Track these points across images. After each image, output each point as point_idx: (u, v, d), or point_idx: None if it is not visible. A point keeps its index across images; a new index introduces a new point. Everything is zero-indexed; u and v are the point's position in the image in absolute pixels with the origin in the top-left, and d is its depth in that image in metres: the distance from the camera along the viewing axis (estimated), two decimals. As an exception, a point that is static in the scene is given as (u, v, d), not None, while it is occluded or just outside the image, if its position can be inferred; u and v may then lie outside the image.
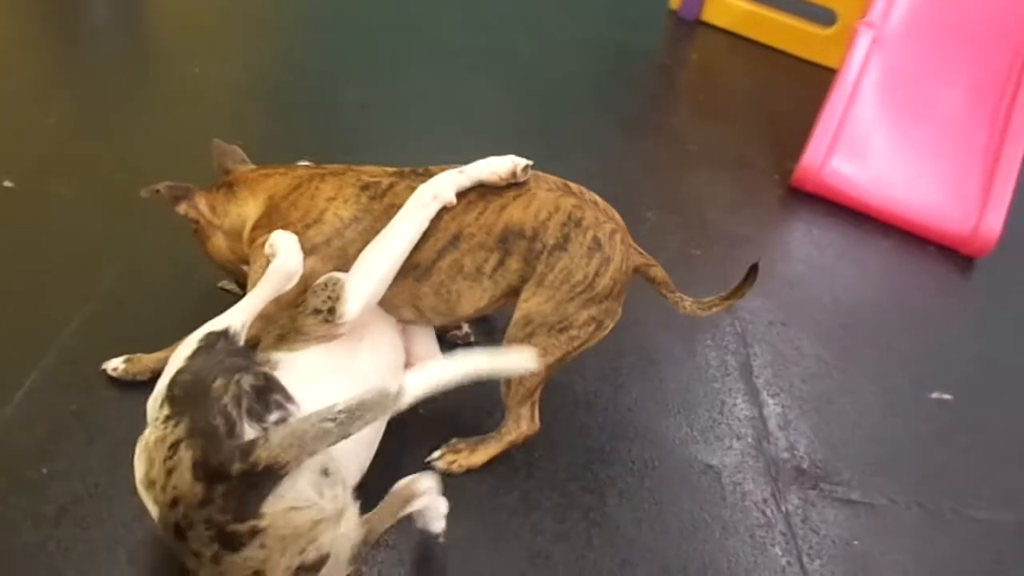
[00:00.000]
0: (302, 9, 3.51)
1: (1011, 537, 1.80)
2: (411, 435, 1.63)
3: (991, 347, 2.37)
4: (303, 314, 1.40)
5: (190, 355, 1.28)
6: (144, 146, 2.42)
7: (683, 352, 2.08)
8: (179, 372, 1.26)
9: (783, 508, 1.73)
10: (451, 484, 1.50)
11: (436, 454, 1.62)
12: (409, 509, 1.36)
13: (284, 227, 1.50)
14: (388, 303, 1.51)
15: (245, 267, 1.61)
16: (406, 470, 1.42)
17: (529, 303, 1.50)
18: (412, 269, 1.49)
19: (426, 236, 1.47)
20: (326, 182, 1.54)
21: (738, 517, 1.69)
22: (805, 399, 2.03)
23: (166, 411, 1.22)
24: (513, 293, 1.52)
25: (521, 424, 1.60)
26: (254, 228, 1.57)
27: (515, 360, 1.37)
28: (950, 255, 2.72)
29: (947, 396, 2.14)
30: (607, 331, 1.57)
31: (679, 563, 1.57)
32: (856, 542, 1.69)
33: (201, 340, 1.30)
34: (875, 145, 2.87)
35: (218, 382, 1.21)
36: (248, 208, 1.59)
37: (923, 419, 2.06)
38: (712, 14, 3.90)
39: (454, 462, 1.61)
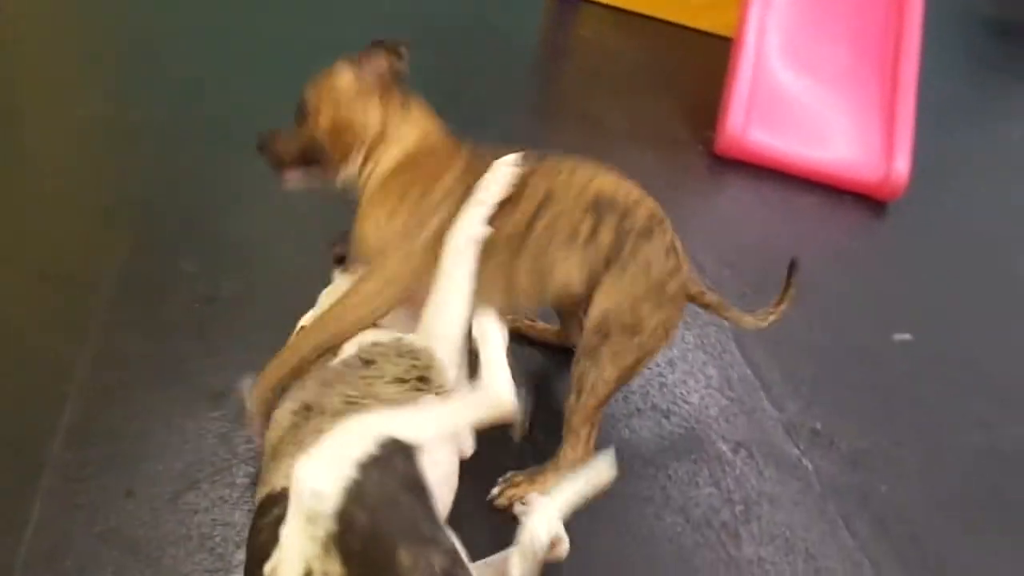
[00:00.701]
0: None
1: (1000, 461, 2.00)
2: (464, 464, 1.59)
3: (928, 284, 2.59)
4: (381, 380, 1.32)
5: (364, 461, 1.07)
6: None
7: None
8: (353, 499, 1.03)
9: (813, 470, 1.84)
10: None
11: (495, 491, 1.59)
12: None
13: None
14: (480, 291, 1.47)
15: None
16: (464, 502, 1.37)
17: (608, 296, 1.51)
18: (506, 242, 1.48)
19: (515, 203, 1.48)
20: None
21: (779, 490, 1.78)
22: (789, 360, 2.14)
23: (336, 564, 1.01)
24: (596, 283, 1.53)
25: (578, 449, 1.60)
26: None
27: (601, 469, 1.29)
28: (866, 201, 2.94)
29: (907, 336, 2.33)
30: (668, 342, 1.60)
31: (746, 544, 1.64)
32: (883, 487, 1.83)
33: (382, 446, 1.10)
34: (786, 106, 3.04)
35: (404, 556, 1.01)
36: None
37: (893, 362, 2.24)
38: (594, -10, 3.96)
39: (514, 496, 1.59)
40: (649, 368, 2.01)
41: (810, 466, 1.85)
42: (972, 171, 3.41)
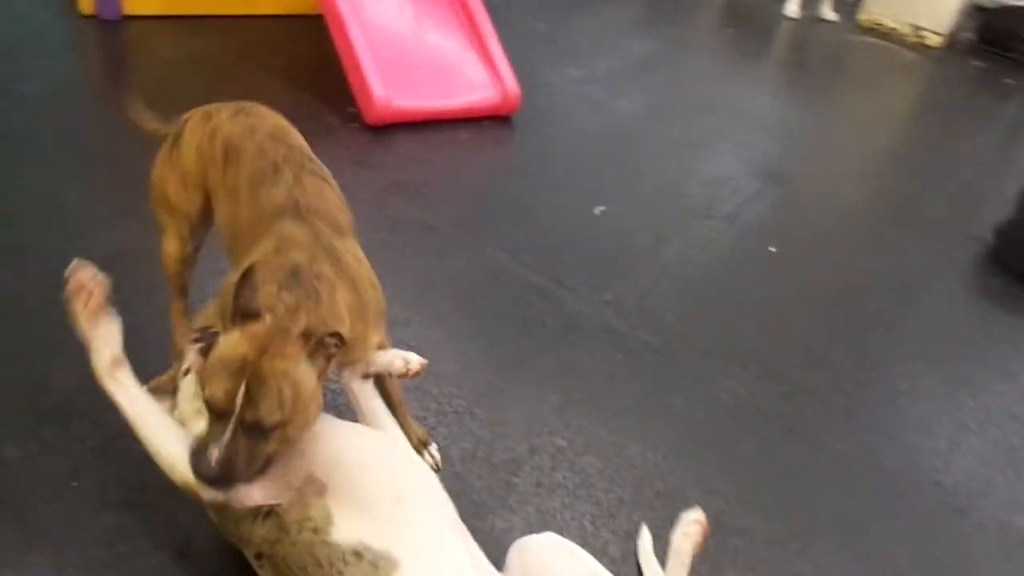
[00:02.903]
0: None
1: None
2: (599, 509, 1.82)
3: (569, 169, 3.31)
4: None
5: None
6: None
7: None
8: None
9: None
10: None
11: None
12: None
13: None
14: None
15: None
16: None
17: None
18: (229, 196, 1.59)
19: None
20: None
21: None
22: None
23: None
24: None
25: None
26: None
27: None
28: (498, 121, 3.53)
29: (604, 208, 3.01)
30: None
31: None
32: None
33: None
34: (407, 62, 3.40)
35: None
36: None
37: (596, 228, 2.90)
38: (136, 5, 3.73)
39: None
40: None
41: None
42: (575, 79, 4.21)
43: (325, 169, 1.65)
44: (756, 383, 2.29)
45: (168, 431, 1.37)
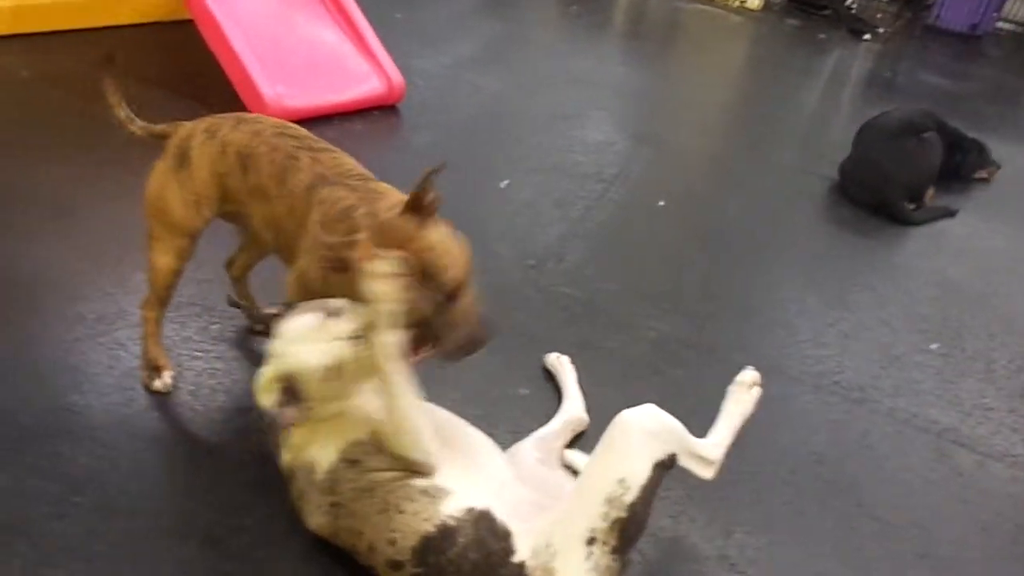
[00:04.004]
0: None
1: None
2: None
3: (465, 149, 3.48)
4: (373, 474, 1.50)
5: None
6: None
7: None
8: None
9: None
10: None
11: None
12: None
13: None
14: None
15: None
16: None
17: None
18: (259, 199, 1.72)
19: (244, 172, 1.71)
20: None
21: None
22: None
23: (614, 540, 1.42)
24: None
25: None
26: None
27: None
28: (386, 110, 3.63)
29: (508, 181, 3.20)
30: None
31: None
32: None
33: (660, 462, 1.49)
34: (293, 62, 3.43)
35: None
36: None
37: (505, 201, 3.10)
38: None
39: None
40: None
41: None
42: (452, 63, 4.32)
43: (333, 147, 1.77)
44: (672, 318, 2.56)
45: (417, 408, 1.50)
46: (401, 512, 1.44)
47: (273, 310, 1.60)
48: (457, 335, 1.47)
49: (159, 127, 1.85)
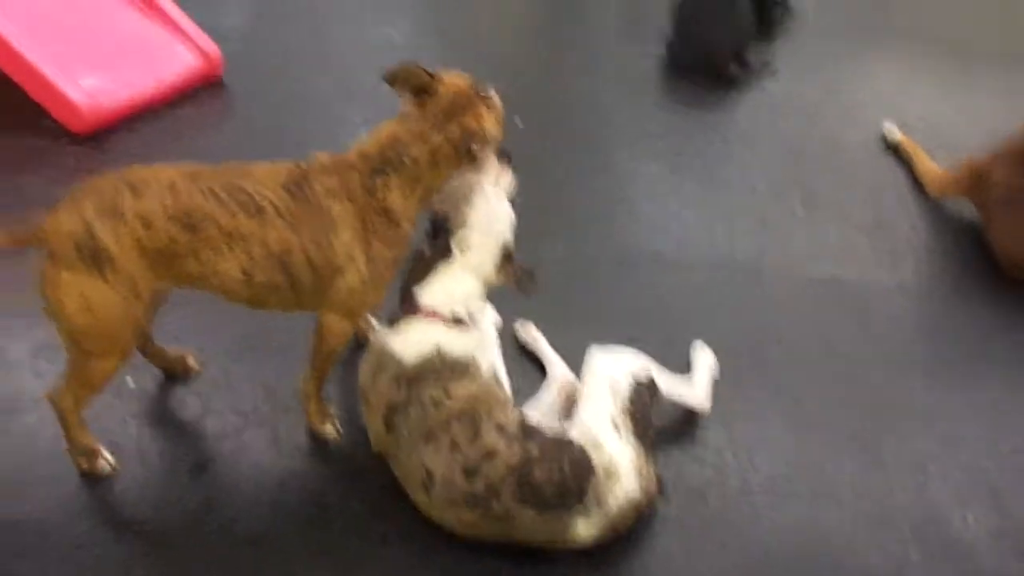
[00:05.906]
0: None
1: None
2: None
3: (303, 100, 3.32)
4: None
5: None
6: None
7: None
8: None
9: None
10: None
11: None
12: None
13: None
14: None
15: None
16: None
17: None
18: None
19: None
20: None
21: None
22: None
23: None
24: None
25: None
26: None
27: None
28: (210, 87, 3.36)
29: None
30: None
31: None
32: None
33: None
34: (90, 54, 3.07)
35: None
36: None
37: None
38: None
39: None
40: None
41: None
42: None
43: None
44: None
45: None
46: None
47: (183, 351, 1.62)
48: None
49: (7, 235, 1.58)
